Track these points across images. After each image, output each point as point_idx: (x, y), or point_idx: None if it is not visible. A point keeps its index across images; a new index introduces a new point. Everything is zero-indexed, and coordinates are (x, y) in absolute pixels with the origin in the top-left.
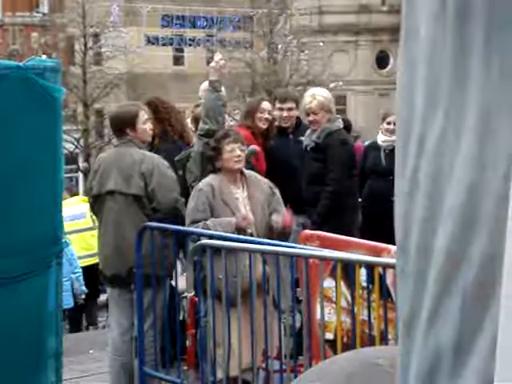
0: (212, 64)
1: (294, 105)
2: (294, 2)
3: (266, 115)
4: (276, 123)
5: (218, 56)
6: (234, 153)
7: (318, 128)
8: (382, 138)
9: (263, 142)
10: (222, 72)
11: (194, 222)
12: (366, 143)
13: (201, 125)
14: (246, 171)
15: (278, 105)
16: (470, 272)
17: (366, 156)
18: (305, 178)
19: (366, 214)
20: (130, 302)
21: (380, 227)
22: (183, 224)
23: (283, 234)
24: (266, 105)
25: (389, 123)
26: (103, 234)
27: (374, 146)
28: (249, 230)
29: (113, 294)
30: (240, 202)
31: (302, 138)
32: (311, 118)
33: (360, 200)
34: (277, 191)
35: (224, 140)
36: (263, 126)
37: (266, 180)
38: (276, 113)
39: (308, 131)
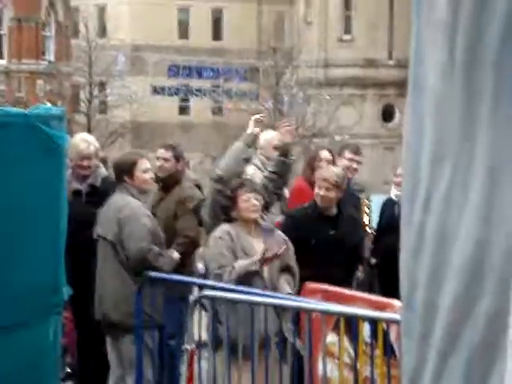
0: (255, 116)
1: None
2: (300, 54)
3: (324, 164)
4: None
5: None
6: (250, 202)
7: None
8: (394, 193)
9: None
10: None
11: (221, 267)
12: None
13: (216, 170)
14: (261, 222)
15: (349, 155)
16: (476, 329)
17: (382, 212)
18: None
19: (381, 270)
20: (119, 352)
21: (395, 284)
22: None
23: None
24: (324, 154)
25: (396, 176)
26: (95, 279)
27: (390, 202)
28: (265, 274)
29: (106, 339)
30: (257, 252)
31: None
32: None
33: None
34: (290, 244)
35: (240, 189)
36: None
37: (279, 232)
38: (344, 163)
39: None
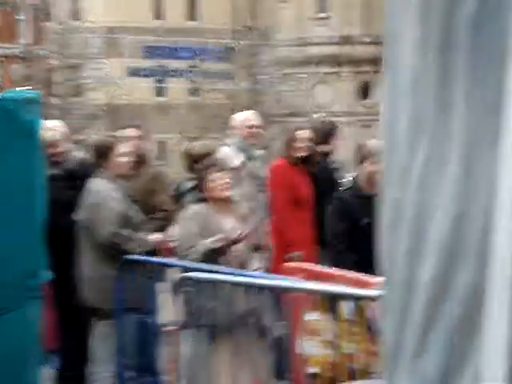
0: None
1: None
2: (276, 33)
3: (303, 143)
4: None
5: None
6: (222, 181)
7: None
8: None
9: (305, 170)
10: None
11: (188, 249)
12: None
13: None
14: (233, 199)
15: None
16: (456, 303)
17: None
18: None
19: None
20: (98, 335)
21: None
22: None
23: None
24: (302, 133)
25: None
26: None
27: None
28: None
29: (91, 322)
30: (228, 231)
31: None
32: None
33: None
34: (263, 224)
35: (211, 168)
36: (301, 154)
37: (249, 209)
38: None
39: None
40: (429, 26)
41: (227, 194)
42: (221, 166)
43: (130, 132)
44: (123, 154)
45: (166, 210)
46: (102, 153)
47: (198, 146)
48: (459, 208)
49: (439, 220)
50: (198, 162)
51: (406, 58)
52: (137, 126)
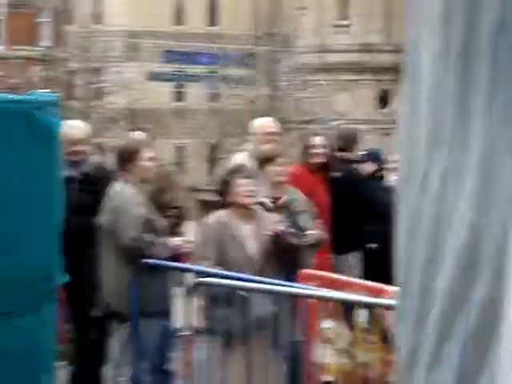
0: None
1: None
2: (296, 39)
3: (320, 150)
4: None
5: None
6: (245, 188)
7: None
8: (391, 178)
9: (323, 177)
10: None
11: (201, 258)
12: None
13: None
14: (255, 207)
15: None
16: (472, 314)
17: None
18: None
19: (379, 256)
20: (118, 338)
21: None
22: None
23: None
24: (317, 140)
25: (393, 162)
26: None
27: (387, 187)
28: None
29: (111, 326)
30: (248, 238)
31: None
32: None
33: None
34: (286, 227)
35: (235, 174)
36: (318, 160)
37: (275, 216)
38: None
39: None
40: (450, 35)
41: (251, 200)
42: (247, 173)
43: (137, 135)
44: (150, 158)
45: (179, 207)
46: (127, 157)
47: (266, 149)
48: (477, 217)
49: (456, 230)
50: (266, 164)
51: (426, 67)
52: (143, 129)
